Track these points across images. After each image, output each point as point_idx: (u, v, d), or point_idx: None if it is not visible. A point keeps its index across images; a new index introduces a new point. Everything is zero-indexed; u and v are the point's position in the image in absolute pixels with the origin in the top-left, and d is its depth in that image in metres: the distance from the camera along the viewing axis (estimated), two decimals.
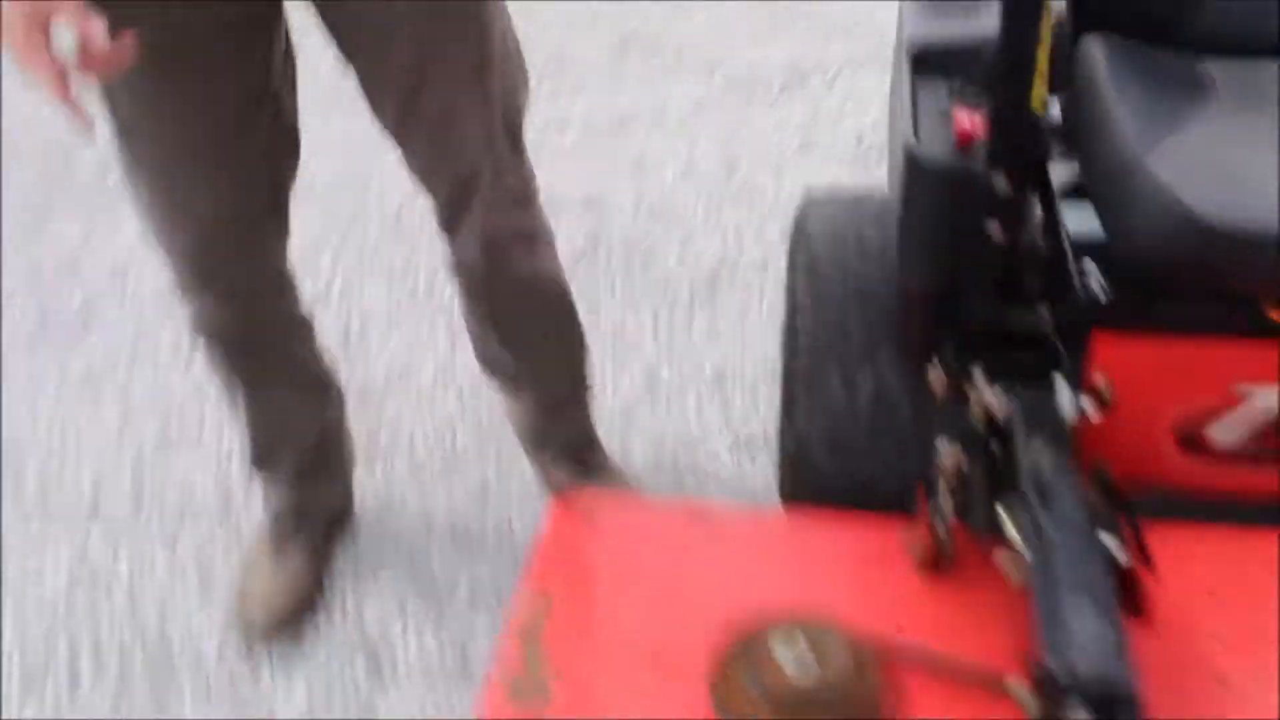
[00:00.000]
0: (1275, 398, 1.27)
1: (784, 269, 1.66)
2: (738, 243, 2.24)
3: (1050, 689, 0.92)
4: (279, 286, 1.49)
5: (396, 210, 2.30)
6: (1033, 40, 1.09)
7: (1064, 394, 1.18)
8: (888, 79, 1.59)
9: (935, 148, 1.24)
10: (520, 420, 1.72)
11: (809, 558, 1.23)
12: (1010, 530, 1.11)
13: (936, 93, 1.33)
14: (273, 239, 1.43)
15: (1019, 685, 0.97)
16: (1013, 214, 1.18)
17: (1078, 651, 0.92)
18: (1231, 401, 1.28)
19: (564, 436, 1.71)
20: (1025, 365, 1.22)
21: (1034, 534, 1.05)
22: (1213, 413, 1.29)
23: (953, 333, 1.26)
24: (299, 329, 1.56)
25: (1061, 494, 1.10)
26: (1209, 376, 1.26)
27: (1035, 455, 1.13)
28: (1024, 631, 1.03)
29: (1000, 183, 1.15)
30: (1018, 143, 1.14)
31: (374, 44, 1.26)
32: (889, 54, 1.55)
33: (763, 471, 1.78)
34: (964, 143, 1.22)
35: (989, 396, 1.18)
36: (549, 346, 1.62)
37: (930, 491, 1.24)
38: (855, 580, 1.20)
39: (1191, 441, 1.31)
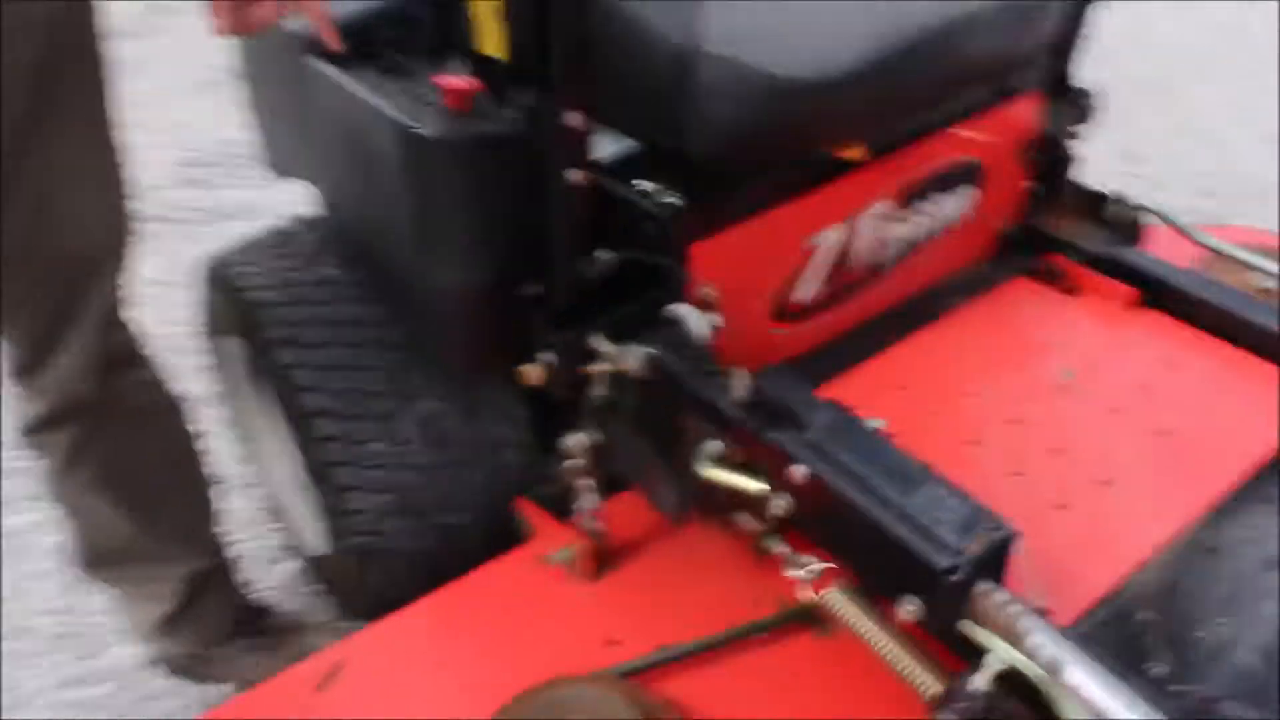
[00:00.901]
0: (837, 238, 1.31)
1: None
2: None
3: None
4: None
5: None
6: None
7: (693, 320, 1.11)
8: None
9: (444, 124, 1.06)
10: (146, 617, 1.37)
11: (512, 616, 1.13)
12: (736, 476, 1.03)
13: (375, 75, 1.16)
14: None
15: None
16: (586, 152, 1.06)
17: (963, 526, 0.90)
18: (807, 256, 1.30)
19: (215, 617, 1.39)
20: (644, 311, 1.12)
21: (815, 459, 0.97)
22: (795, 275, 1.30)
23: (544, 318, 1.13)
24: None
25: (799, 408, 1.01)
26: (787, 242, 1.28)
27: (715, 392, 1.03)
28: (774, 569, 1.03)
29: (575, 118, 1.03)
30: (577, 74, 1.01)
31: None
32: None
33: None
34: (465, 106, 1.06)
35: (627, 358, 1.07)
36: (174, 496, 1.33)
37: (561, 498, 1.16)
38: (558, 622, 1.12)
39: (783, 312, 1.32)
